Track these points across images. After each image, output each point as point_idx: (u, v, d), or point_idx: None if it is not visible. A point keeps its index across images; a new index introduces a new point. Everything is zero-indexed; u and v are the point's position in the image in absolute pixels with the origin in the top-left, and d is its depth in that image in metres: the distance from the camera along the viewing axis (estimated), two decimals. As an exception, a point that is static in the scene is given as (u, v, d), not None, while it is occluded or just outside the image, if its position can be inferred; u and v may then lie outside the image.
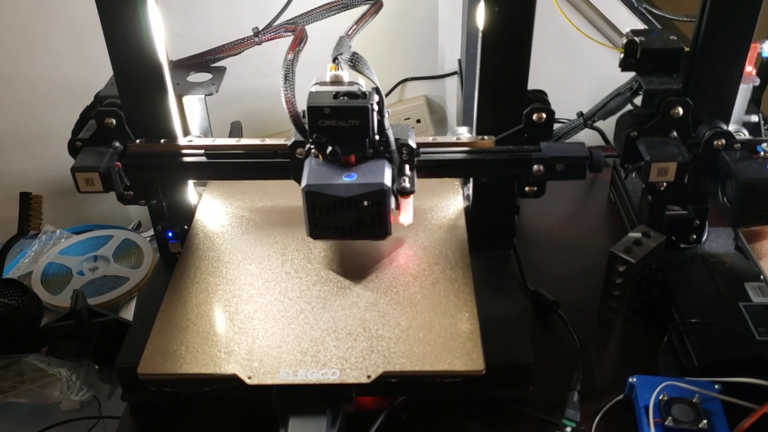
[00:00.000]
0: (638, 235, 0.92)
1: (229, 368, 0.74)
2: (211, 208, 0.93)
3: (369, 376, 0.73)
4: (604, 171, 1.25)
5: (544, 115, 0.85)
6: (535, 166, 0.84)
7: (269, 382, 0.73)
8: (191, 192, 0.93)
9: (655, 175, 0.85)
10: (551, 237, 1.13)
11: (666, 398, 0.79)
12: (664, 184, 0.86)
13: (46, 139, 1.25)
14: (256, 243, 0.87)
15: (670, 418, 0.77)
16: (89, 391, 0.96)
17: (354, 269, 0.84)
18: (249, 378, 0.73)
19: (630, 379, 0.83)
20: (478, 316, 0.86)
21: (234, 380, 0.73)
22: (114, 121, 0.84)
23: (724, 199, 0.84)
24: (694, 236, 0.97)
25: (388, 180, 0.75)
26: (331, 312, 0.81)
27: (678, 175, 0.84)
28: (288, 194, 0.95)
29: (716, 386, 0.81)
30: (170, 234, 0.94)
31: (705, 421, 0.76)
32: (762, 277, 0.83)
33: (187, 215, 0.93)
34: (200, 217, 0.91)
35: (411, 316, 0.80)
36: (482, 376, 0.80)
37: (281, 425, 0.72)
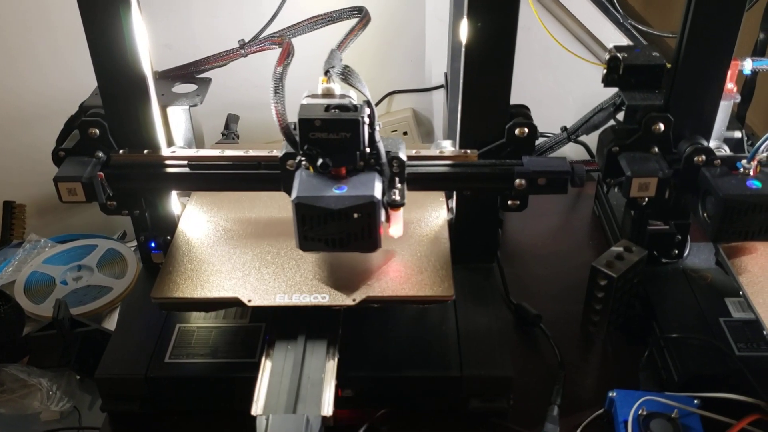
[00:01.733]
0: (620, 249, 0.93)
1: (231, 293, 0.81)
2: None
3: (354, 300, 0.80)
4: (588, 185, 1.27)
5: (526, 130, 0.85)
6: (517, 180, 0.85)
7: (267, 304, 0.80)
8: (174, 202, 0.93)
9: (636, 190, 0.85)
10: (535, 250, 1.14)
11: (645, 413, 0.79)
12: (646, 199, 0.87)
13: (32, 149, 1.25)
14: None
15: (648, 432, 0.77)
16: (69, 402, 0.96)
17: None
18: (249, 301, 0.80)
19: (610, 394, 0.83)
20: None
21: (236, 302, 0.80)
22: (97, 131, 0.84)
23: (705, 214, 0.85)
24: (676, 251, 0.98)
25: (378, 192, 0.75)
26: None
27: (659, 190, 0.85)
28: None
29: (695, 401, 0.82)
30: (153, 244, 0.94)
31: (683, 436, 0.77)
32: (741, 292, 0.83)
33: (170, 226, 0.93)
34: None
35: (392, 263, 0.86)
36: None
37: None
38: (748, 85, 1.18)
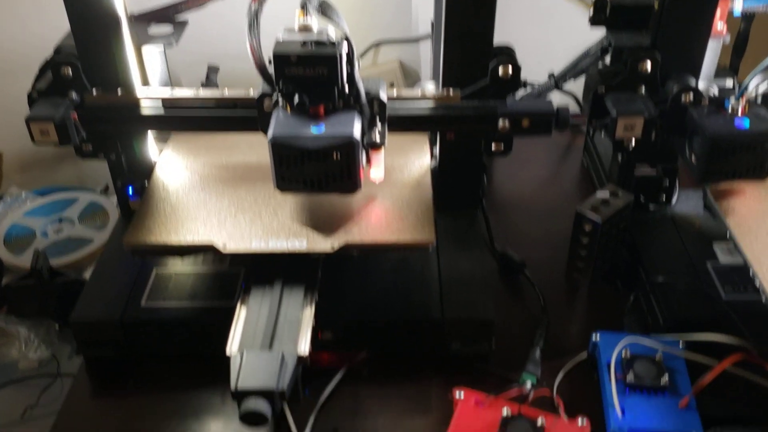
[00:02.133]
0: (606, 194, 0.91)
1: (206, 238, 0.79)
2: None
3: (333, 246, 0.78)
4: (577, 137, 1.25)
5: (510, 70, 0.83)
6: (501, 121, 0.83)
7: (242, 250, 0.78)
8: (152, 147, 0.91)
9: (621, 130, 0.83)
10: (522, 200, 1.12)
11: (629, 355, 0.78)
12: (633, 141, 0.85)
13: (11, 100, 1.22)
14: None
15: (631, 373, 0.76)
16: (48, 350, 0.95)
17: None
18: (224, 246, 0.78)
19: (593, 337, 0.82)
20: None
21: (210, 248, 0.78)
22: (70, 71, 0.82)
23: (692, 155, 0.83)
24: (664, 197, 0.96)
25: (357, 132, 0.73)
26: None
27: (645, 131, 0.83)
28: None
29: (680, 344, 0.81)
30: (130, 190, 0.92)
31: (667, 378, 0.76)
32: (729, 234, 0.82)
33: (147, 171, 0.91)
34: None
35: (373, 209, 0.84)
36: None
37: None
38: (741, 35, 1.15)
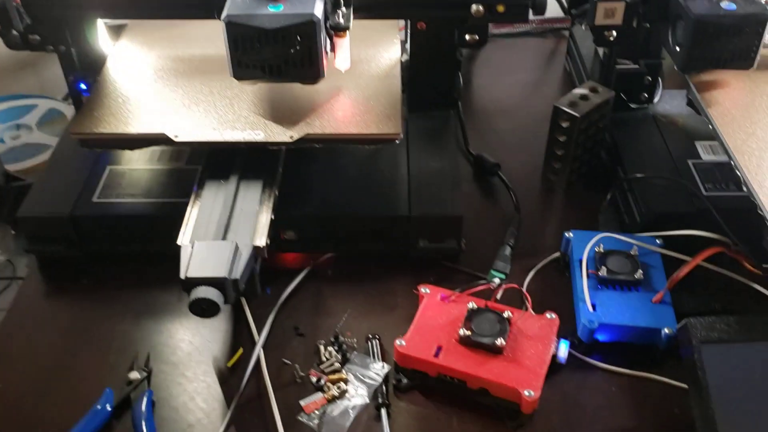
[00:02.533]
0: (585, 90, 0.87)
1: (157, 128, 0.74)
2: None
3: (292, 137, 0.73)
4: (561, 42, 1.20)
5: (484, -49, 0.78)
6: (474, 6, 0.78)
7: (195, 139, 0.73)
8: (104, 38, 0.86)
9: (601, 17, 0.79)
10: (501, 105, 1.08)
11: (602, 250, 0.75)
12: (614, 33, 0.80)
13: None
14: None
15: (604, 268, 0.73)
16: (3, 255, 0.91)
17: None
18: (176, 137, 0.73)
19: (566, 234, 0.78)
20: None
21: (162, 139, 0.73)
22: (9, -50, 0.76)
23: (675, 44, 0.78)
24: (646, 95, 0.91)
25: (319, 11, 0.68)
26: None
27: (626, 17, 0.78)
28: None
29: (657, 240, 0.77)
30: (83, 86, 0.87)
31: (641, 273, 0.73)
32: (711, 126, 0.77)
33: (99, 65, 0.85)
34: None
35: (337, 100, 0.79)
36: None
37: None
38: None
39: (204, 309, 0.62)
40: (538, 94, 1.10)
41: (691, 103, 0.84)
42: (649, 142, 0.88)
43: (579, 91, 0.86)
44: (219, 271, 0.63)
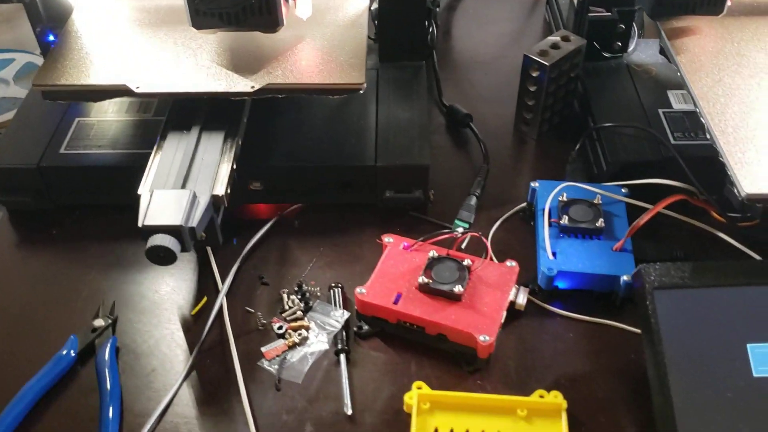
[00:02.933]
0: (557, 38, 0.85)
1: (119, 80, 0.74)
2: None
3: (253, 87, 0.73)
4: (542, -7, 1.18)
5: None
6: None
7: (157, 90, 0.73)
8: (69, -12, 0.85)
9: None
10: (478, 56, 1.06)
11: (565, 199, 0.75)
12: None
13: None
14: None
15: (566, 217, 0.73)
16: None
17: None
18: (137, 88, 0.73)
19: (532, 184, 0.78)
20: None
21: (124, 91, 0.73)
22: None
23: (645, -11, 0.77)
24: (620, 44, 0.90)
25: None
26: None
27: (596, -38, 0.77)
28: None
29: (623, 190, 0.77)
30: (51, 37, 0.87)
31: (602, 221, 0.73)
32: (679, 74, 0.76)
33: (67, 15, 0.84)
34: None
35: (300, 50, 0.78)
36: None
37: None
38: None
39: (161, 257, 0.63)
40: (518, 45, 1.09)
41: (663, 51, 0.83)
42: (621, 91, 0.87)
43: (550, 39, 0.85)
44: (175, 219, 0.63)
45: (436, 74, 0.97)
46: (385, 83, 0.88)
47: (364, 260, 0.76)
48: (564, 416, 0.61)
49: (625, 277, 0.68)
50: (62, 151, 0.79)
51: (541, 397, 0.63)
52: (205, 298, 0.73)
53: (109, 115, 0.83)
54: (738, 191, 0.63)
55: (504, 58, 1.05)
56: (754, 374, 0.58)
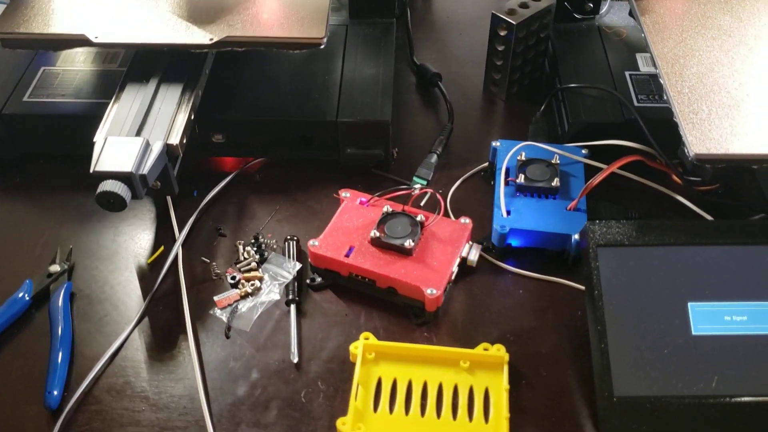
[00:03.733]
0: (527, -2, 0.85)
1: (77, 30, 0.73)
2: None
3: (211, 39, 0.72)
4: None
5: None
6: None
7: (115, 41, 0.73)
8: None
9: None
10: (455, 17, 1.06)
11: (524, 159, 0.75)
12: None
13: None
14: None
15: (522, 176, 0.73)
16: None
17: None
18: (96, 38, 0.72)
19: (493, 144, 0.78)
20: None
21: (82, 40, 0.73)
22: None
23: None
24: (591, 5, 0.89)
25: None
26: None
27: None
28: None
29: (583, 151, 0.77)
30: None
31: (558, 181, 0.73)
32: (642, 35, 0.76)
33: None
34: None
35: (262, 4, 0.78)
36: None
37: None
38: None
39: (111, 203, 0.64)
40: (497, 4, 1.07)
41: (632, 14, 0.83)
42: (589, 53, 0.86)
43: (520, -2, 0.85)
44: (125, 165, 0.64)
45: (408, 33, 0.97)
46: (353, 39, 0.87)
47: (322, 215, 0.76)
48: (506, 369, 0.62)
49: (576, 236, 0.69)
50: (26, 99, 0.79)
51: (486, 350, 0.64)
52: (162, 248, 0.73)
53: (75, 65, 0.83)
54: (687, 151, 0.63)
55: (480, 18, 1.04)
56: (693, 332, 0.59)
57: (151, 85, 0.74)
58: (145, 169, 0.65)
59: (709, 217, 0.74)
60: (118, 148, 0.65)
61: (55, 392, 0.61)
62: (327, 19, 0.75)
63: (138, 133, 0.68)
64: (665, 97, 0.69)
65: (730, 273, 0.61)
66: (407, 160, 0.82)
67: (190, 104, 0.73)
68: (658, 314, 0.60)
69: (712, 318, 0.59)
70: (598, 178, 0.71)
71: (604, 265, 0.61)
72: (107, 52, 0.84)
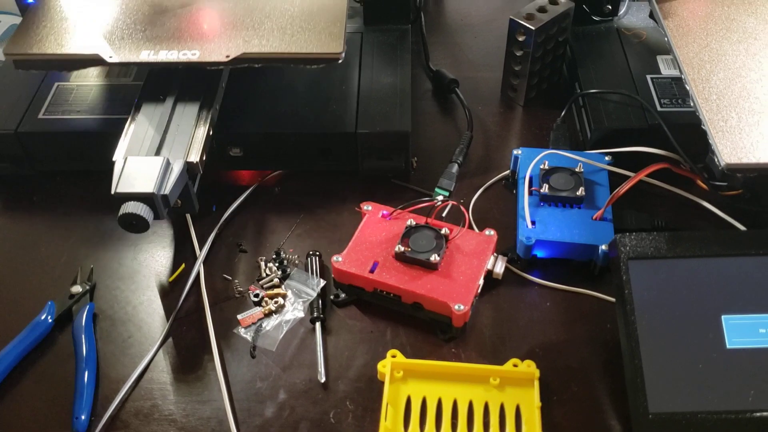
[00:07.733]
0: (544, 1, 0.84)
1: (91, 50, 0.73)
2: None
3: (228, 56, 0.72)
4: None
5: None
6: None
7: (130, 60, 0.72)
8: (48, -50, 0.84)
9: None
10: (469, 20, 1.05)
11: (547, 167, 0.74)
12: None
13: None
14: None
15: (546, 185, 0.72)
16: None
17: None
18: (110, 57, 0.72)
19: (515, 152, 0.77)
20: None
21: (97, 60, 0.72)
22: None
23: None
24: (609, 7, 0.88)
25: None
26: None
27: None
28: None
29: (606, 158, 0.76)
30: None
31: (583, 190, 0.71)
32: (666, 39, 0.75)
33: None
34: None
35: (276, 15, 0.77)
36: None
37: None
38: None
39: (133, 224, 0.63)
40: (510, 7, 1.06)
41: (652, 15, 0.81)
42: (609, 56, 0.85)
43: (538, 2, 0.83)
44: (147, 186, 0.63)
45: (423, 38, 0.96)
46: (369, 47, 0.86)
47: (343, 228, 0.75)
48: (536, 385, 0.61)
49: (603, 247, 0.68)
50: (41, 116, 0.78)
51: (515, 366, 0.63)
52: (183, 265, 0.73)
53: (89, 80, 0.82)
54: (718, 160, 0.62)
55: (495, 21, 1.03)
56: (728, 346, 0.58)
57: (168, 103, 0.73)
58: (167, 189, 0.64)
59: (735, 223, 0.73)
60: (139, 168, 0.65)
61: (83, 417, 0.61)
62: (344, 33, 0.74)
63: (157, 152, 0.67)
64: (692, 104, 0.68)
65: (764, 284, 0.60)
66: (427, 168, 0.81)
67: (208, 120, 0.72)
68: (691, 328, 0.59)
69: (746, 331, 0.58)
70: (624, 187, 0.70)
71: (635, 278, 0.60)
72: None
